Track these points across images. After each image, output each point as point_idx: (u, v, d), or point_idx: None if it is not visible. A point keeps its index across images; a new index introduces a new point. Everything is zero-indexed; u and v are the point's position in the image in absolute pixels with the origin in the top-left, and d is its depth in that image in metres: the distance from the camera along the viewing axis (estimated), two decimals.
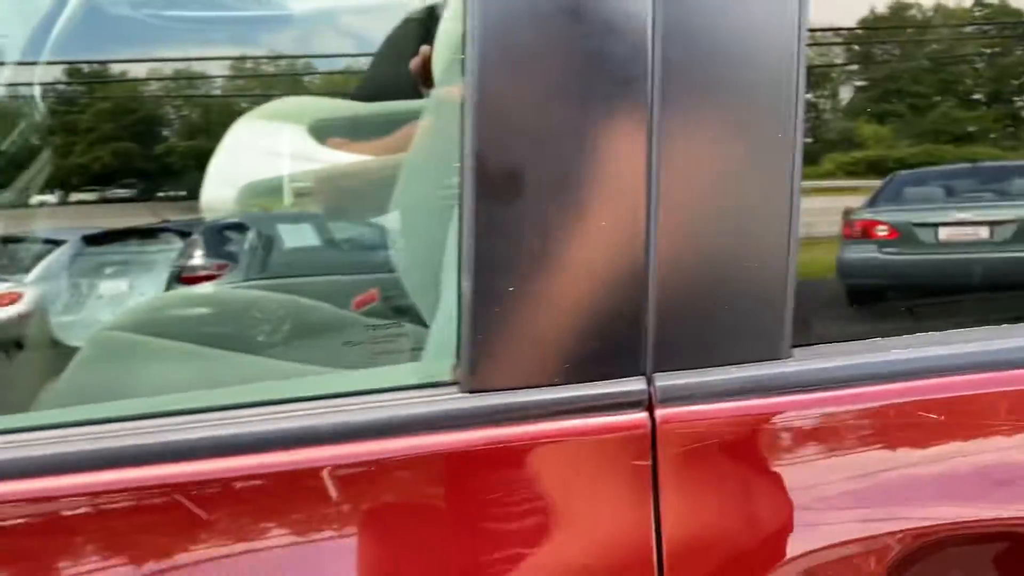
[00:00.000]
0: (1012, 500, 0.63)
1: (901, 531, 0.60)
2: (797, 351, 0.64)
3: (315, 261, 1.68)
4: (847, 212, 1.27)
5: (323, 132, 1.80)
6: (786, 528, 0.61)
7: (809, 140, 0.98)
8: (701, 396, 0.61)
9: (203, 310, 1.27)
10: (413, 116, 1.32)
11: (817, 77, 0.96)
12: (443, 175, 1.11)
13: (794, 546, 0.60)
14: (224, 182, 1.79)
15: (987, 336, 0.68)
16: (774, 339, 0.62)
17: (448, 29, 1.33)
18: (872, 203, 1.31)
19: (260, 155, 1.83)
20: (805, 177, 0.65)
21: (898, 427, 0.62)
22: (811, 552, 0.60)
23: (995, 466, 0.62)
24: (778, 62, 0.61)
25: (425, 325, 1.21)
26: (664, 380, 0.61)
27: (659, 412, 0.61)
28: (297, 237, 1.70)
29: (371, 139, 1.56)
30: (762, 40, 0.61)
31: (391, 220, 1.30)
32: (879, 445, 0.62)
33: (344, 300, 1.33)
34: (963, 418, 0.63)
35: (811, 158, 0.94)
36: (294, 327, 1.24)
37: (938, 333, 0.68)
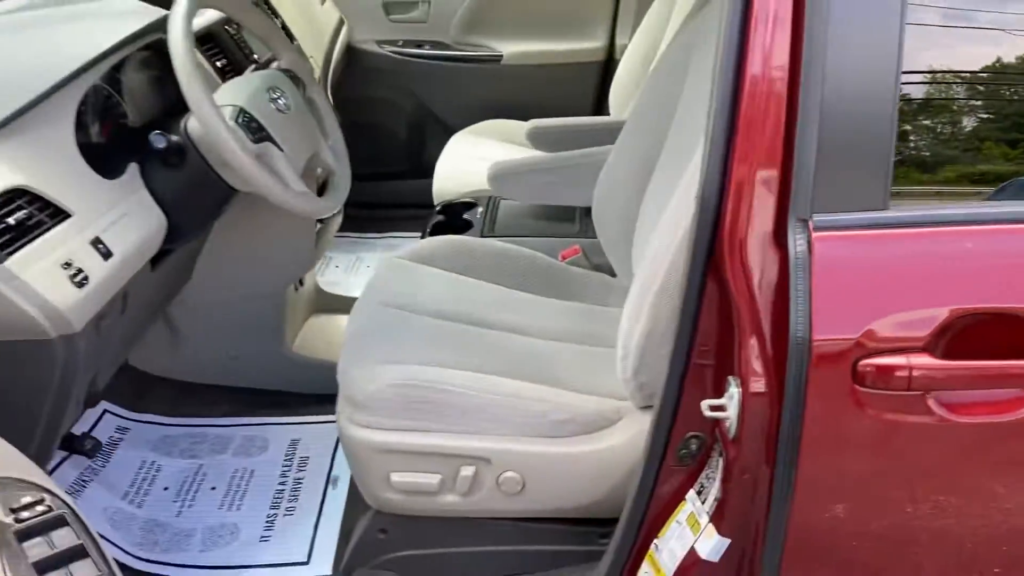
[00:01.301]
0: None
1: (947, 309, 0.99)
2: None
3: (534, 225, 2.22)
4: None
5: (537, 138, 2.33)
6: (874, 300, 0.99)
7: (927, 155, 1.23)
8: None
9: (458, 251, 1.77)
10: (615, 128, 1.75)
11: (947, 111, 1.15)
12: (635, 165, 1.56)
13: (874, 312, 0.99)
14: (448, 179, 2.40)
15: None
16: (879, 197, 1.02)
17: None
18: (990, 199, 1.44)
19: (474, 157, 2.38)
20: (925, 183, 1.07)
21: (948, 252, 1.02)
22: (889, 314, 1.00)
23: (1010, 271, 1.03)
24: None
25: (614, 275, 1.69)
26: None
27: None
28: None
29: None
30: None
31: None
32: (937, 260, 1.03)
33: (555, 253, 1.87)
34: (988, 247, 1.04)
35: (932, 168, 1.15)
36: (517, 267, 1.74)
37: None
